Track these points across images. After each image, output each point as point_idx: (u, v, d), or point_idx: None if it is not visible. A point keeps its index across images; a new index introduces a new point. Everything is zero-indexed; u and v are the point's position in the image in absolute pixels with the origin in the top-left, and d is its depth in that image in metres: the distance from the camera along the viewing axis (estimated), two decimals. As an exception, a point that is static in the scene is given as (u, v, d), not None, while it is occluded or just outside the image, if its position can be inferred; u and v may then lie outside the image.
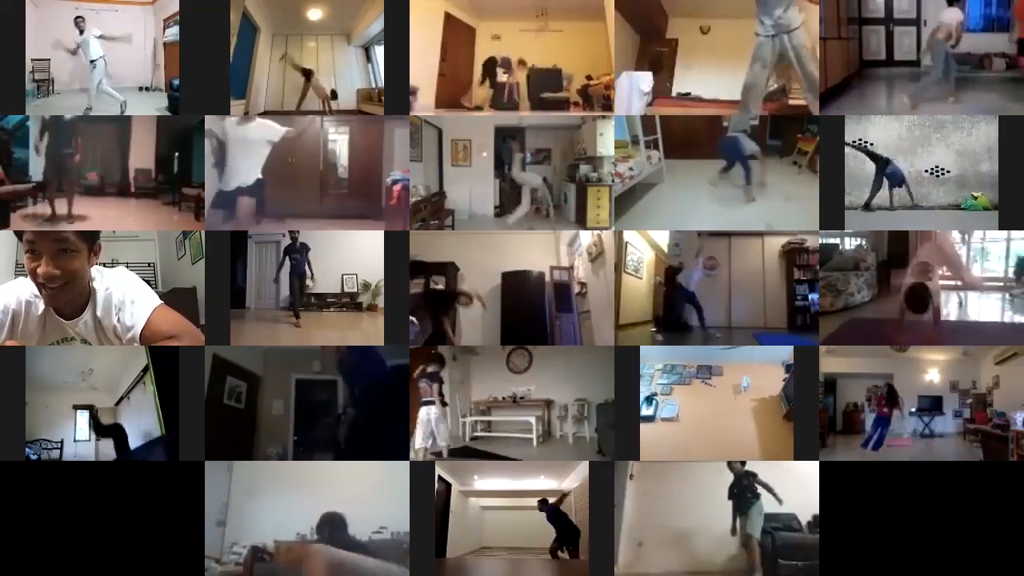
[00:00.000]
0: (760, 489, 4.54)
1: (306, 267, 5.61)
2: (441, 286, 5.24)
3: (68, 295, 3.48)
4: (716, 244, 5.93)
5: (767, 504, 4.56)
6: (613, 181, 5.06)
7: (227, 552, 4.45)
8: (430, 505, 4.42)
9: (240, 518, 4.53)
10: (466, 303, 5.26)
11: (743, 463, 4.57)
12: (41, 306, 3.53)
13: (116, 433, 4.69)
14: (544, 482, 5.04)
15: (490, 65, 5.74)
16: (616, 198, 5.01)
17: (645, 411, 4.64)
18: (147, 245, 5.14)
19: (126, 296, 3.57)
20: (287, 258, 5.60)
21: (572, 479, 4.87)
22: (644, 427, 4.48)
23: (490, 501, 5.56)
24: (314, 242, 5.64)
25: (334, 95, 5.38)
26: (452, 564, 5.03)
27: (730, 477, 4.58)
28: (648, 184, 5.50)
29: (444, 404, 5.17)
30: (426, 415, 5.00)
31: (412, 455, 4.68)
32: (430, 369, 5.14)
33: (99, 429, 4.70)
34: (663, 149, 5.90)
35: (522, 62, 5.66)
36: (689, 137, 5.86)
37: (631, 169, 5.35)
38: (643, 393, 4.56)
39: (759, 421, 5.00)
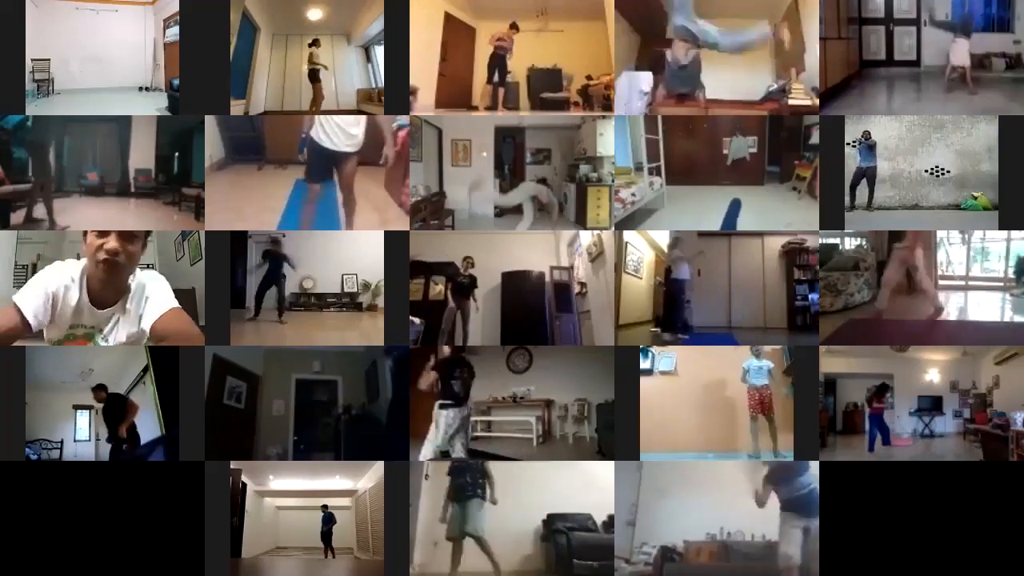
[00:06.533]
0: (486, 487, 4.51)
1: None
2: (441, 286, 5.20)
3: (117, 278, 3.57)
4: (716, 244, 5.93)
5: (560, 503, 4.61)
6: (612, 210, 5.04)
7: (636, 552, 4.46)
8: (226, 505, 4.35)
9: (649, 518, 4.52)
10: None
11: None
12: (75, 293, 3.59)
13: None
14: (340, 482, 5.03)
15: (493, 61, 5.75)
16: (616, 223, 5.01)
17: (643, 364, 4.60)
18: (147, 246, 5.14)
19: (155, 291, 3.67)
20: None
21: (367, 479, 4.84)
22: (643, 380, 4.45)
23: (286, 501, 5.53)
24: (313, 242, 5.65)
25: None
26: (247, 564, 4.98)
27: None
28: (649, 210, 5.49)
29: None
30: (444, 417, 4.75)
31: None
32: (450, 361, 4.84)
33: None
34: (665, 175, 5.79)
35: (514, 25, 5.65)
36: (692, 163, 5.87)
37: (633, 195, 5.34)
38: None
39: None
